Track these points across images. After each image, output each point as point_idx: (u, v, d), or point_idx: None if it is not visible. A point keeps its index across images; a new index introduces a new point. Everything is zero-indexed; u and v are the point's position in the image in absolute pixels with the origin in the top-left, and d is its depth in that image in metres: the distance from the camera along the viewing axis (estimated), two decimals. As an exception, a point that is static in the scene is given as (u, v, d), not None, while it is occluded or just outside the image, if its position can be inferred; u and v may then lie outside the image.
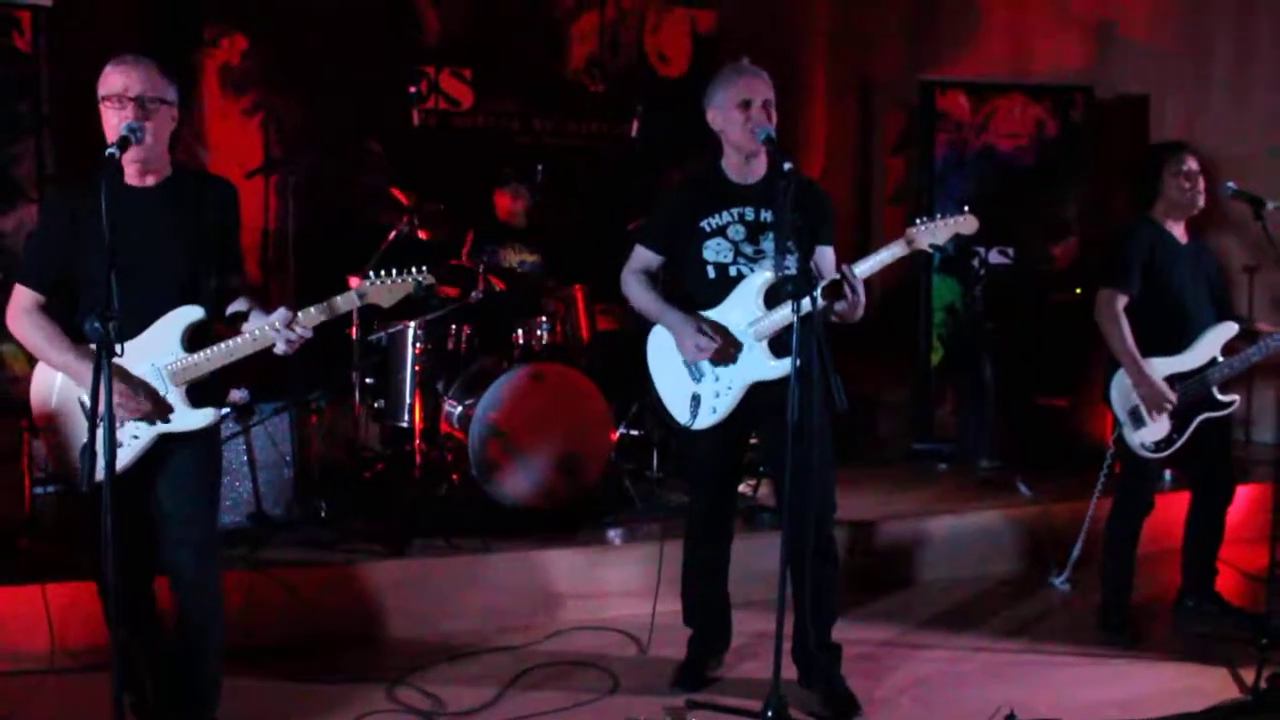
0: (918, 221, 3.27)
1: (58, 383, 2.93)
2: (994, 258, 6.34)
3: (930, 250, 3.29)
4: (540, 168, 5.76)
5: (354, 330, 4.95)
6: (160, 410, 2.88)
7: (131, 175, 2.88)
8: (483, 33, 6.86)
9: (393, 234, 5.18)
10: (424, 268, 2.99)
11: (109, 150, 2.69)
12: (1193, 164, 4.06)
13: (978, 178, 6.58)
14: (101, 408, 2.52)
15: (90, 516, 2.81)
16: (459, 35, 6.85)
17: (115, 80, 2.82)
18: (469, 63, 6.81)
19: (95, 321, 2.53)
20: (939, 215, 3.28)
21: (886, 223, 8.63)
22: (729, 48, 7.39)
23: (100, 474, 2.53)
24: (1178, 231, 4.11)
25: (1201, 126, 6.68)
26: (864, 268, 3.23)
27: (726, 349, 3.33)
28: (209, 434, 2.99)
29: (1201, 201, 4.07)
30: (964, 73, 7.28)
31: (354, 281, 4.85)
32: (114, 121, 2.80)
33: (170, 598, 2.99)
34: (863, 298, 3.22)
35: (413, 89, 6.15)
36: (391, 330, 5.08)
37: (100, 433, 2.52)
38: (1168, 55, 6.99)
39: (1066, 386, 6.09)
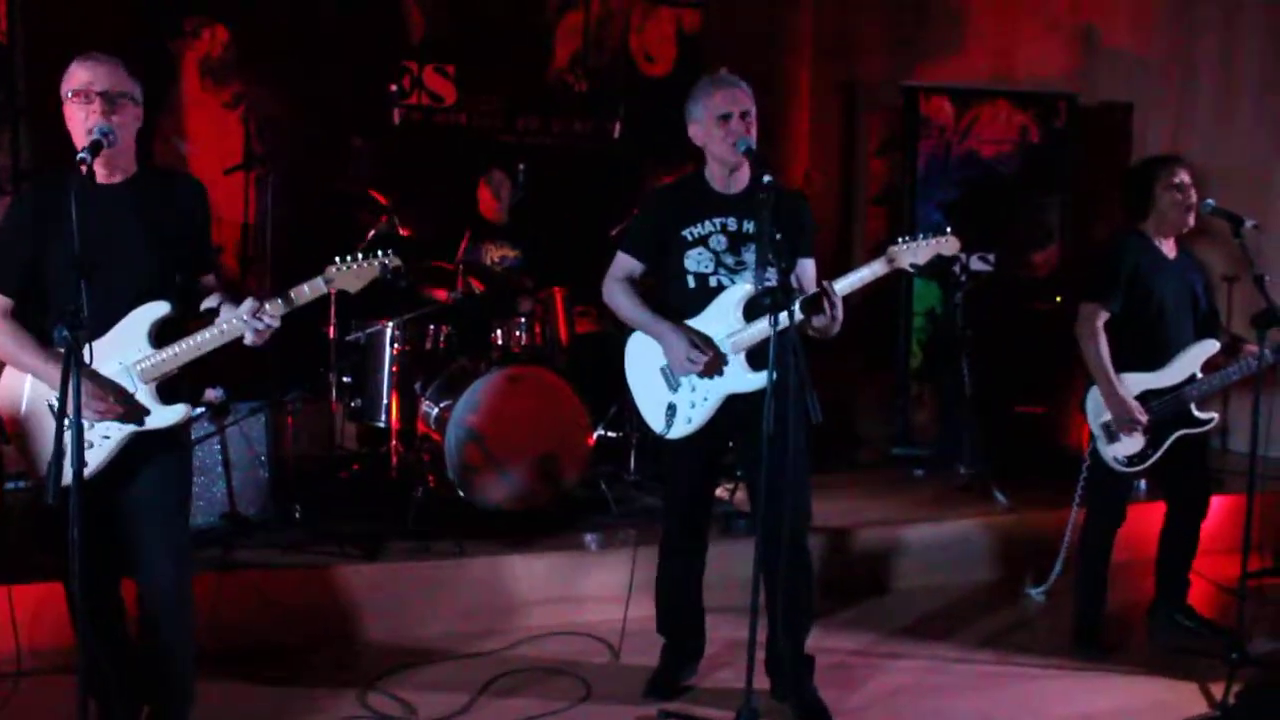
0: (900, 240, 3.27)
1: (27, 386, 2.90)
2: (975, 264, 6.34)
3: (910, 269, 3.27)
4: (522, 166, 5.74)
5: (331, 329, 4.92)
6: (132, 410, 2.85)
7: (99, 174, 2.84)
8: (466, 29, 6.82)
9: (371, 233, 5.15)
10: (389, 250, 2.94)
11: (80, 155, 2.65)
12: (1185, 177, 4.04)
13: (960, 183, 6.58)
14: (70, 414, 2.49)
15: (57, 519, 2.79)
16: (443, 31, 6.81)
17: (81, 75, 2.78)
18: (452, 59, 6.77)
19: (64, 330, 2.50)
20: (921, 235, 3.27)
21: (869, 223, 8.64)
22: (714, 47, 7.38)
23: (67, 480, 2.51)
24: (1166, 246, 4.10)
25: (1185, 136, 6.71)
26: (843, 285, 3.22)
27: (716, 363, 3.32)
28: (180, 433, 2.96)
29: (1193, 219, 4.05)
30: (948, 77, 7.28)
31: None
32: (80, 117, 2.77)
33: (138, 601, 2.96)
34: (840, 314, 3.21)
35: (394, 87, 6.11)
36: (370, 330, 5.05)
37: (68, 441, 2.49)
38: (1152, 64, 7.01)
39: (1045, 395, 6.11)
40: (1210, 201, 4.01)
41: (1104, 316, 4.01)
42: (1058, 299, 6.19)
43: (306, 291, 2.89)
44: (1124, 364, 4.00)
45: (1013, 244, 6.55)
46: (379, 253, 2.93)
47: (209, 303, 3.02)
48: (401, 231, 5.24)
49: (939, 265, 3.45)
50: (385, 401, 4.98)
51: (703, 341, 3.32)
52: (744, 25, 7.69)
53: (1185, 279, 4.12)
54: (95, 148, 2.68)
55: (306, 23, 6.35)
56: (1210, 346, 4.04)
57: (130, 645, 3.06)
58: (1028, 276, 6.60)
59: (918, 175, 6.60)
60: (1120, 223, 4.24)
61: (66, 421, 2.49)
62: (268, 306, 2.84)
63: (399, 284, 4.74)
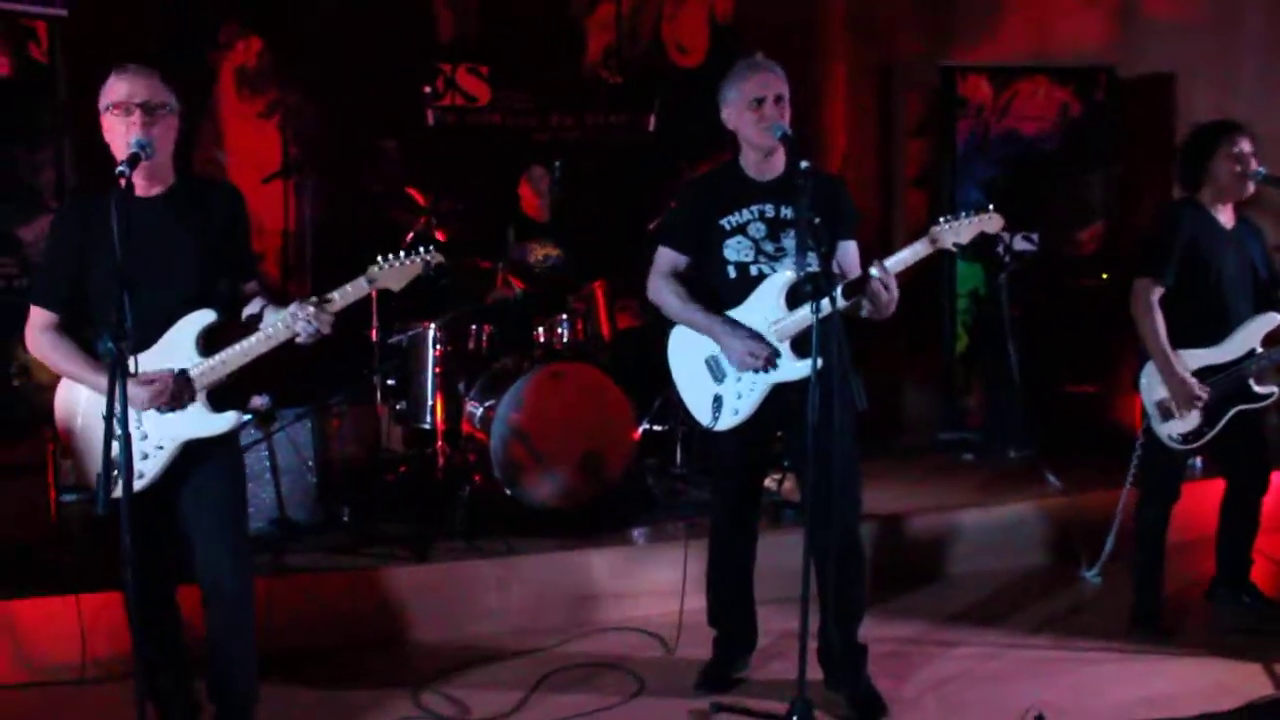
0: (941, 220, 3.21)
1: (83, 398, 2.93)
2: (1019, 244, 6.23)
3: (954, 249, 3.22)
4: (559, 163, 5.73)
5: (374, 332, 4.95)
6: (183, 389, 2.85)
7: (138, 186, 2.87)
8: (497, 28, 6.81)
9: (410, 235, 5.17)
10: (430, 247, 2.94)
11: (119, 168, 2.68)
12: (1246, 146, 3.91)
13: (1000, 162, 6.49)
14: (117, 428, 2.52)
15: (114, 529, 2.83)
16: (473, 31, 6.80)
17: (120, 88, 2.81)
18: (484, 59, 6.76)
19: (109, 341, 2.53)
20: (963, 214, 3.21)
21: (909, 205, 8.55)
22: (747, 37, 7.32)
23: (118, 492, 2.54)
24: (1224, 216, 3.98)
25: (1230, 105, 6.53)
26: (891, 263, 3.17)
27: (773, 358, 3.29)
28: (231, 441, 2.99)
29: (1252, 188, 3.93)
30: (984, 56, 7.17)
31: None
32: (120, 130, 2.79)
33: (202, 604, 3.00)
34: (895, 294, 3.17)
35: (428, 88, 6.11)
36: (412, 332, 5.07)
37: (116, 453, 2.52)
38: (1193, 32, 6.85)
39: (1095, 373, 6.00)
40: (1261, 169, 3.90)
41: (1158, 292, 3.90)
42: (1104, 275, 6.08)
43: (350, 291, 2.90)
44: (1181, 339, 3.89)
45: (1056, 222, 6.44)
46: (421, 249, 2.94)
47: (251, 309, 3.04)
48: (438, 235, 5.25)
49: (982, 246, 3.41)
50: (430, 403, 5.00)
51: (756, 337, 3.29)
52: (776, 11, 7.62)
53: (1244, 248, 4.00)
54: (134, 160, 2.71)
55: (337, 28, 6.37)
56: (1272, 319, 3.92)
57: (186, 650, 3.09)
58: (1073, 254, 6.50)
59: (957, 155, 6.51)
60: (1169, 194, 4.12)
61: (115, 432, 2.52)
62: (312, 306, 2.84)
63: (440, 281, 4.75)
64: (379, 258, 2.91)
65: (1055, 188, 6.47)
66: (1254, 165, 3.91)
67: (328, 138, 6.34)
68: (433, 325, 4.99)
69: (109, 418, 2.51)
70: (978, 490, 5.32)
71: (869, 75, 8.72)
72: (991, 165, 6.49)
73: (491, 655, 3.94)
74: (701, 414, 3.43)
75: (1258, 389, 3.93)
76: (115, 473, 2.72)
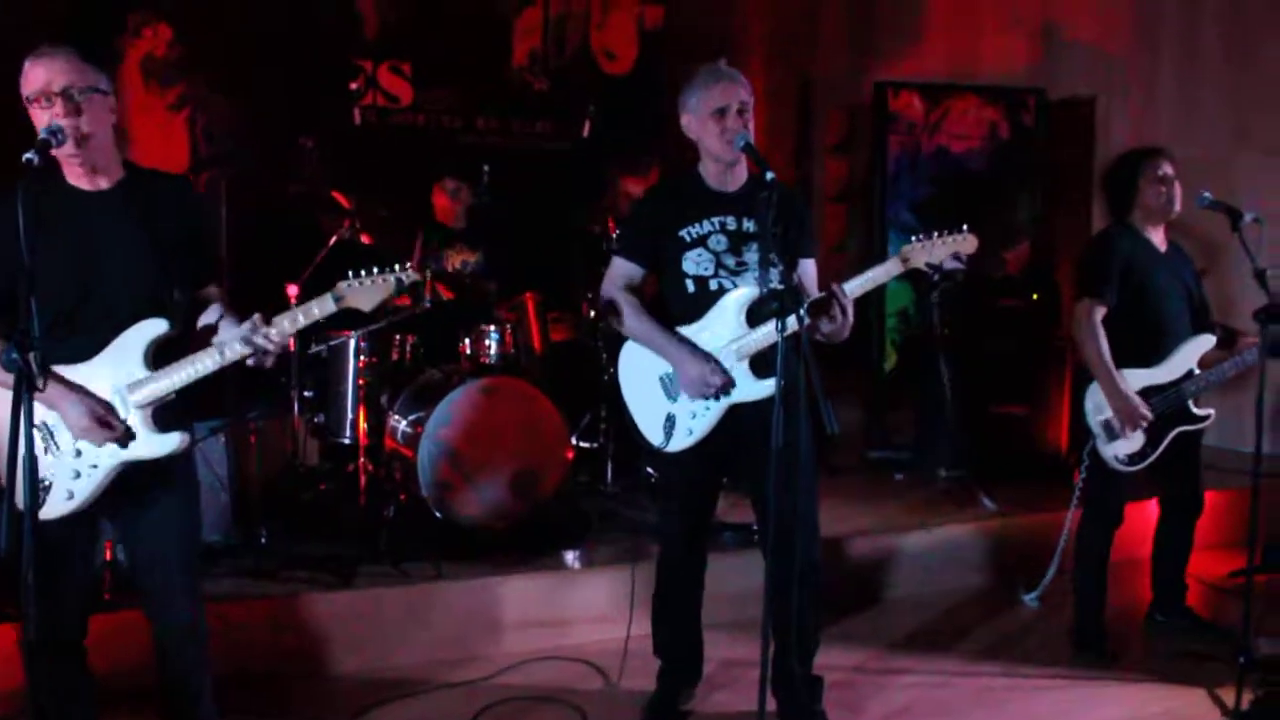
0: (914, 239, 3.12)
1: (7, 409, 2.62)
2: (948, 263, 6.17)
3: (926, 269, 3.12)
4: (487, 168, 5.52)
5: (292, 342, 4.66)
6: (122, 435, 2.60)
7: (79, 177, 2.60)
8: (422, 26, 6.57)
9: (333, 239, 4.91)
10: (406, 265, 2.68)
11: (26, 156, 2.39)
12: (1169, 169, 3.99)
13: (930, 180, 6.48)
14: (23, 446, 2.24)
15: (16, 558, 2.56)
16: (397, 28, 6.55)
17: (38, 75, 2.52)
18: (408, 57, 6.51)
19: (13, 352, 2.25)
20: (936, 233, 3.13)
21: (829, 222, 8.54)
22: (675, 45, 7.21)
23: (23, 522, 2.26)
24: (1156, 238, 4.03)
25: (1149, 128, 6.67)
26: (854, 285, 3.06)
27: (729, 386, 3.13)
28: (178, 461, 2.71)
29: (1178, 206, 3.99)
30: (906, 73, 7.19)
31: (292, 290, 4.62)
32: (45, 121, 2.51)
33: (153, 634, 2.79)
34: (851, 318, 3.05)
35: (354, 85, 5.84)
36: (333, 342, 4.80)
37: (20, 481, 2.24)
38: (1113, 57, 6.97)
39: (1024, 394, 6.00)
40: (1207, 195, 3.90)
41: (1101, 312, 3.91)
42: (1034, 296, 6.09)
43: (315, 310, 2.63)
44: (1122, 359, 3.90)
45: (983, 242, 6.42)
46: (396, 267, 2.68)
47: (208, 316, 2.77)
48: (364, 239, 4.99)
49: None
50: (351, 416, 4.74)
51: (711, 362, 3.13)
52: (702, 22, 7.55)
53: (1178, 271, 4.05)
54: (44, 147, 2.42)
55: (254, 20, 6.06)
56: (1206, 341, 3.96)
57: (93, 684, 2.82)
58: (999, 274, 6.51)
59: (887, 173, 6.48)
60: (1089, 215, 4.15)
61: (57, 449, 2.26)
62: (273, 326, 2.60)
63: (421, 303, 4.52)
64: (349, 274, 2.64)
65: (983, 207, 6.47)
66: (1177, 187, 3.97)
67: (241, 134, 6.02)
68: (354, 335, 4.73)
69: (13, 439, 2.23)
70: (912, 511, 5.24)
71: (787, 89, 8.72)
72: (922, 183, 6.47)
73: (421, 688, 3.71)
74: (653, 434, 3.26)
75: (1196, 410, 3.96)
76: (48, 487, 2.56)
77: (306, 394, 4.89)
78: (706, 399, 3.16)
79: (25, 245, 2.27)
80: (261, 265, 5.02)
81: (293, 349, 4.68)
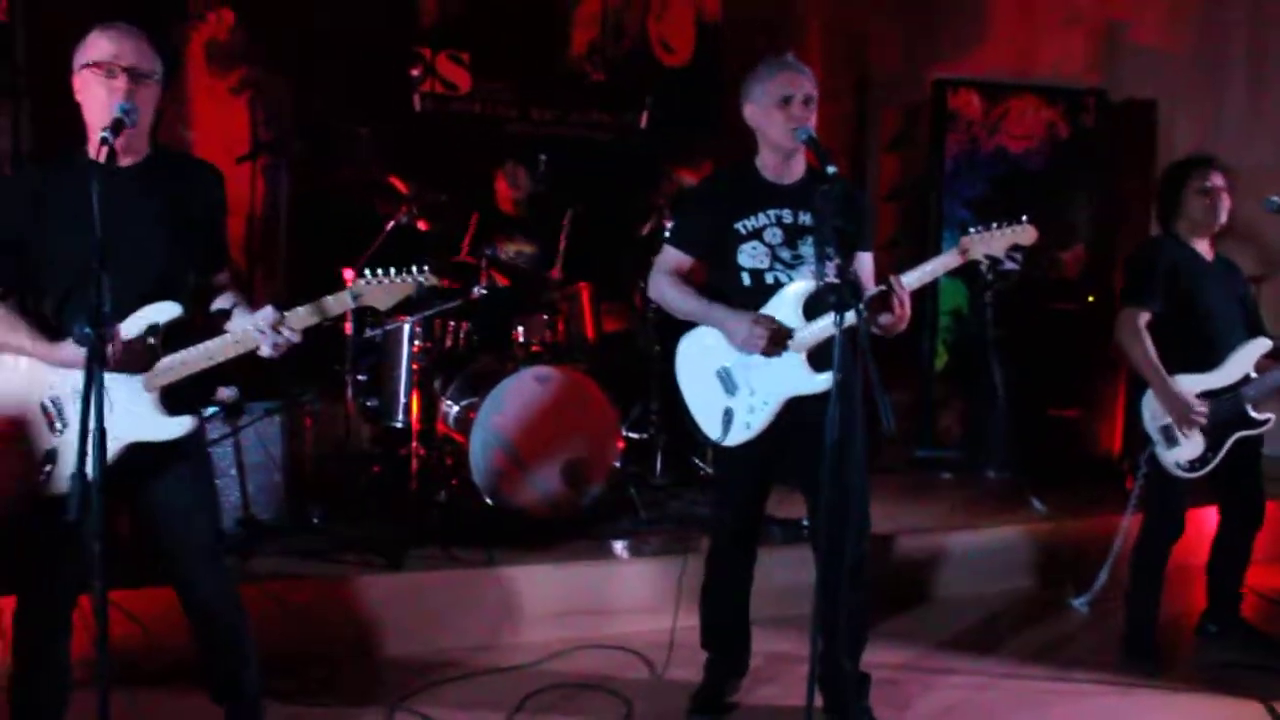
0: (972, 230, 3.10)
1: (14, 385, 2.66)
2: (1004, 263, 6.13)
3: (984, 261, 3.10)
4: (544, 158, 5.53)
5: (348, 326, 4.72)
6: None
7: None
8: (481, 14, 6.58)
9: (390, 224, 4.95)
10: (424, 267, 2.72)
11: (103, 134, 2.43)
12: (1217, 180, 3.92)
13: (988, 179, 6.41)
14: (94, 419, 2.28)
15: (35, 529, 2.61)
16: (456, 16, 6.57)
17: (105, 46, 2.56)
18: (466, 45, 6.53)
19: (85, 326, 2.29)
20: (995, 225, 3.11)
21: (882, 220, 8.47)
22: (732, 39, 7.18)
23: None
24: (1203, 248, 3.98)
25: (1214, 134, 6.55)
26: (912, 278, 3.05)
27: (781, 335, 3.10)
28: (187, 443, 2.72)
29: (1224, 218, 3.93)
30: (965, 71, 7.10)
31: (349, 275, 4.66)
32: (100, 93, 2.54)
33: (186, 616, 2.82)
34: (908, 310, 3.03)
35: (415, 71, 5.87)
36: (387, 327, 4.84)
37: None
38: (1178, 60, 6.85)
39: (1077, 398, 5.93)
40: (1275, 198, 3.84)
41: (1144, 318, 3.87)
42: (1090, 299, 6.01)
43: (332, 305, 2.67)
44: (1177, 367, 3.85)
45: (1040, 243, 6.35)
46: (414, 269, 2.71)
47: (220, 303, 2.81)
48: (420, 224, 5.03)
49: (967, 264, 3.33)
50: (404, 401, 4.78)
51: (762, 316, 3.12)
52: (760, 16, 7.50)
53: (1228, 280, 4.00)
54: (118, 127, 2.46)
55: (315, 4, 6.11)
56: (1263, 344, 3.91)
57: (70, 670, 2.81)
58: (1055, 276, 6.43)
59: (945, 172, 6.42)
60: (1148, 220, 4.10)
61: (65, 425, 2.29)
62: (289, 318, 2.62)
63: (433, 302, 4.55)
64: (367, 272, 2.69)
65: (1040, 208, 6.37)
66: (1225, 198, 3.91)
67: (301, 119, 6.08)
68: (409, 320, 4.76)
69: (85, 412, 2.26)
70: (960, 511, 5.21)
71: (844, 86, 8.64)
72: (979, 182, 6.40)
73: (468, 672, 3.74)
74: (711, 428, 3.25)
75: (1255, 415, 3.89)
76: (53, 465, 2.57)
77: (360, 378, 4.94)
78: (769, 389, 3.14)
79: (98, 226, 2.29)
80: (319, 250, 5.08)
81: (349, 333, 4.73)
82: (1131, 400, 4.02)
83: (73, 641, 2.77)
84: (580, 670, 3.79)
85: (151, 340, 2.62)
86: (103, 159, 2.40)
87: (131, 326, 2.61)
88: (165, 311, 2.63)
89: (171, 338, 2.64)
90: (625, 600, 4.17)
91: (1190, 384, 3.85)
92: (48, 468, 2.63)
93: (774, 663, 3.80)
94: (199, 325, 2.75)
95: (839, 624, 3.15)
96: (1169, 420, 3.86)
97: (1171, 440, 3.88)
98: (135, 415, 2.63)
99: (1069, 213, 6.52)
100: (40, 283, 2.66)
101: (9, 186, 2.73)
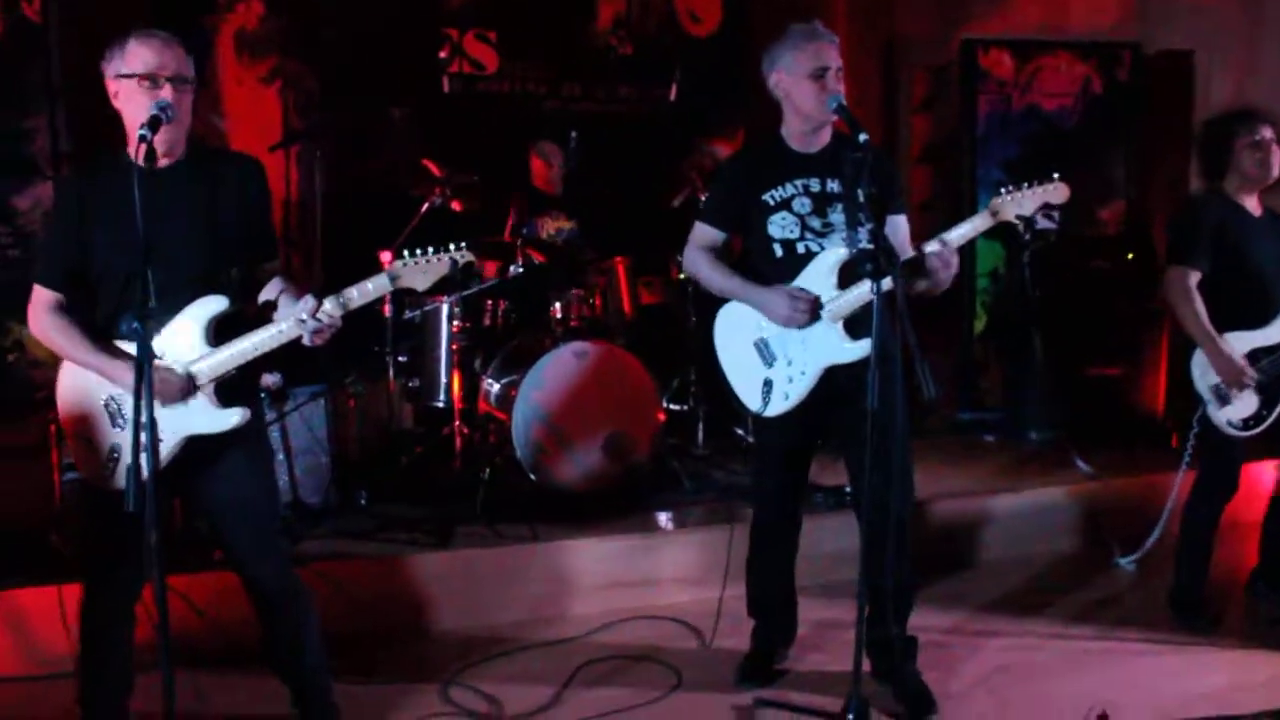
0: (1003, 191, 3.09)
1: (81, 382, 2.73)
2: (1041, 222, 6.10)
3: (1017, 222, 3.08)
4: (575, 135, 5.53)
5: (387, 308, 4.76)
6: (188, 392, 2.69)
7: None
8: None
9: (425, 206, 4.98)
10: (462, 245, 2.75)
11: (141, 132, 2.46)
12: (1267, 133, 3.83)
13: (1021, 139, 6.34)
14: (145, 411, 2.34)
15: (102, 520, 2.68)
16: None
17: (149, 58, 2.59)
18: (493, 25, 6.51)
19: (134, 321, 2.34)
20: (1025, 184, 3.09)
21: (914, 182, 8.40)
22: (759, 5, 7.11)
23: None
24: (1250, 204, 3.90)
25: (1251, 85, 6.43)
26: (951, 238, 3.03)
27: (817, 306, 3.12)
28: (244, 431, 2.77)
29: (1275, 172, 3.84)
30: (994, 30, 7.01)
31: (386, 258, 4.70)
32: (145, 102, 2.56)
33: (249, 596, 2.90)
34: (955, 268, 3.04)
35: (444, 53, 5.88)
36: (426, 308, 4.89)
37: (126, 441, 2.34)
38: (1212, 10, 6.72)
39: (1118, 356, 5.87)
40: None
41: (1195, 277, 3.80)
42: (1129, 256, 5.95)
43: (370, 289, 2.71)
44: (1227, 323, 3.79)
45: (1077, 200, 6.26)
46: (450, 247, 2.74)
47: (268, 292, 2.85)
48: (454, 205, 5.06)
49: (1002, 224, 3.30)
50: (445, 380, 4.82)
51: (797, 290, 3.13)
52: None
53: (1276, 235, 3.91)
54: (154, 123, 2.49)
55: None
56: None
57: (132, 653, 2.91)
58: (1094, 234, 6.36)
59: (977, 132, 6.36)
60: (1187, 174, 4.02)
61: (125, 421, 2.34)
62: (326, 305, 2.65)
63: (470, 282, 4.58)
64: (404, 253, 2.72)
65: (1076, 166, 6.31)
66: (1275, 152, 3.81)
67: (332, 104, 6.11)
68: (447, 300, 4.80)
69: (136, 407, 2.32)
70: (1004, 473, 5.20)
71: (871, 47, 8.54)
72: (1012, 142, 6.34)
73: (518, 646, 3.79)
74: (751, 399, 3.27)
75: None
76: (117, 459, 2.65)
77: (401, 359, 4.99)
78: (807, 357, 3.15)
79: (140, 222, 2.34)
80: (355, 234, 5.12)
81: (388, 314, 4.78)
82: (1175, 357, 3.98)
83: (135, 628, 2.86)
84: (629, 641, 3.84)
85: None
86: (142, 158, 2.44)
87: (178, 329, 2.67)
88: (211, 305, 2.68)
89: (221, 330, 2.70)
90: (671, 571, 4.21)
91: (1240, 342, 3.79)
92: (110, 463, 2.70)
93: (821, 630, 3.83)
94: (250, 316, 2.80)
95: (885, 589, 3.16)
96: (1218, 379, 3.81)
97: (1223, 399, 3.83)
98: (190, 409, 2.69)
99: (1106, 170, 6.45)
100: (92, 290, 2.71)
101: (67, 193, 2.77)
